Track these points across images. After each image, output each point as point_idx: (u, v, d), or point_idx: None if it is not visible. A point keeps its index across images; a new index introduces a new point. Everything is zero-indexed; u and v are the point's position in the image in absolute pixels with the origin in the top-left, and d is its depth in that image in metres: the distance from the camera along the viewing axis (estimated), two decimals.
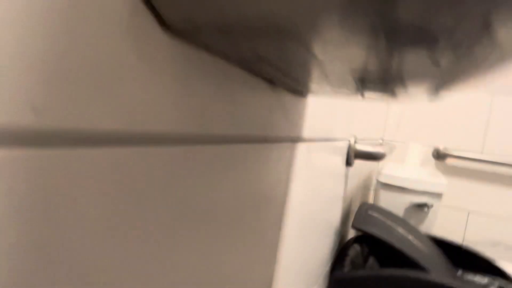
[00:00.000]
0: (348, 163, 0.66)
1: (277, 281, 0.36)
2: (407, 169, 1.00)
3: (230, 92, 0.20)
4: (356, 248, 0.77)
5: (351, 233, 0.87)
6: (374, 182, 1.05)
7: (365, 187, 1.07)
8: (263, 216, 0.30)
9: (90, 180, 0.12)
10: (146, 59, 0.13)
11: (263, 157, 0.27)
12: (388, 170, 0.96)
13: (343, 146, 0.61)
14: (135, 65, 0.13)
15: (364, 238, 0.79)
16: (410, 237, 0.69)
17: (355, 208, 0.86)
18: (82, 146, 0.12)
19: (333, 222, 0.66)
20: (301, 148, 0.36)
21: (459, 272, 0.72)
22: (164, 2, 0.13)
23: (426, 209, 0.89)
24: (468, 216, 1.24)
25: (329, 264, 0.70)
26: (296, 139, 0.34)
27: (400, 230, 0.70)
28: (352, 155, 0.65)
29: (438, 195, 0.90)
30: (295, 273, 0.45)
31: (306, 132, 0.37)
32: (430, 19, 0.11)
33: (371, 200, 1.08)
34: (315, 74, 0.21)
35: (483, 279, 0.70)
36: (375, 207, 0.77)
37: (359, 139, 0.73)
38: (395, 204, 0.93)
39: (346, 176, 0.69)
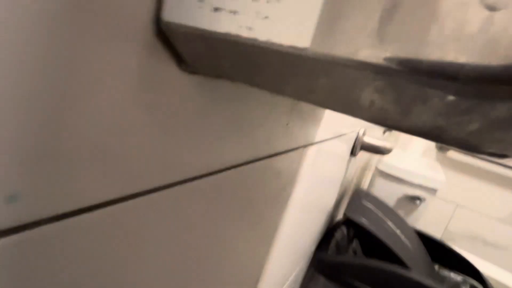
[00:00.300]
0: (353, 153, 0.65)
1: (270, 258, 0.37)
2: (408, 159, 0.99)
3: (249, 118, 0.18)
4: (343, 230, 0.80)
5: (341, 214, 0.89)
6: (372, 166, 1.05)
7: (363, 169, 1.07)
8: (268, 208, 0.29)
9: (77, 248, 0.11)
10: (162, 110, 0.11)
11: (274, 168, 0.26)
12: (388, 159, 0.95)
13: (351, 137, 0.59)
14: (146, 120, 0.11)
15: (353, 222, 0.81)
16: (398, 231, 0.70)
17: (350, 191, 0.87)
18: (70, 218, 0.10)
19: (327, 205, 0.67)
20: (312, 150, 0.35)
21: (436, 267, 0.76)
22: (187, 46, 0.10)
23: (418, 202, 0.90)
24: (455, 209, 1.27)
25: (315, 244, 0.72)
26: (308, 144, 0.32)
27: (390, 223, 0.71)
28: (358, 147, 0.63)
29: (433, 191, 0.91)
30: (286, 251, 0.46)
31: (319, 135, 0.35)
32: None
33: (366, 184, 1.09)
34: None
35: (457, 277, 0.73)
36: (369, 196, 0.78)
37: (368, 126, 0.70)
38: (389, 193, 0.94)
39: (348, 164, 0.68)
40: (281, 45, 0.07)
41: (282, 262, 0.44)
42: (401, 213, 0.94)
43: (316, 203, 0.54)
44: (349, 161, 0.67)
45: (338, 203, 0.84)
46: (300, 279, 0.69)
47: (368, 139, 0.63)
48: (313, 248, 0.70)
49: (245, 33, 0.08)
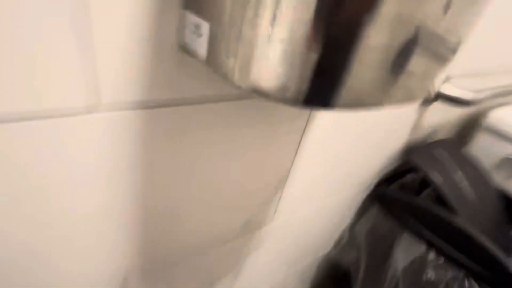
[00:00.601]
0: (424, 101, 0.66)
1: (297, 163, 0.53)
2: None
3: None
4: (413, 176, 0.84)
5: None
6: (478, 120, 0.94)
7: (469, 121, 0.97)
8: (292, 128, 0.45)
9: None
10: (187, 72, 0.28)
11: None
12: (500, 113, 0.84)
13: None
14: (177, 72, 0.28)
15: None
16: (466, 183, 0.70)
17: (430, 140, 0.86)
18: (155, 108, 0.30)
19: (384, 145, 0.72)
20: None
21: None
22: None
23: None
24: None
25: (376, 179, 0.81)
26: None
27: (461, 175, 0.71)
28: (430, 95, 0.64)
29: None
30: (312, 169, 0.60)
31: None
32: None
33: (468, 139, 0.99)
34: None
35: None
36: (445, 145, 0.77)
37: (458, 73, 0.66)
38: (493, 150, 0.87)
39: (419, 112, 0.69)
40: None
41: (312, 172, 0.58)
42: (504, 174, 0.87)
43: (365, 140, 0.62)
44: (420, 109, 0.68)
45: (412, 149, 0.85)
46: (351, 207, 0.82)
47: (444, 88, 0.63)
48: (370, 181, 0.79)
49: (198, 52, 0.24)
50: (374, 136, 0.64)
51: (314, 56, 0.18)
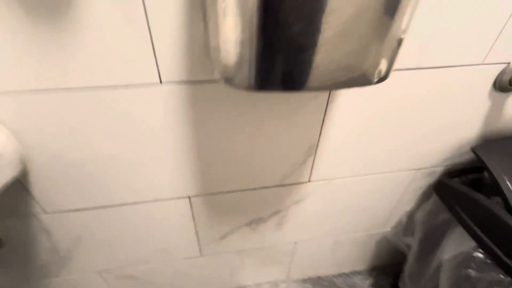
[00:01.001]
0: (501, 88, 0.59)
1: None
2: None
3: None
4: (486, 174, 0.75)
5: None
6: None
7: None
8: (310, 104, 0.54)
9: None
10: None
11: None
12: None
13: (487, 68, 0.55)
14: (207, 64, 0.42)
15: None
16: None
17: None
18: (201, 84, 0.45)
19: (457, 133, 0.67)
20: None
21: None
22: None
23: None
24: None
25: (444, 169, 0.77)
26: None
27: None
28: (506, 81, 0.57)
29: None
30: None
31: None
32: None
33: None
34: None
35: None
36: None
37: None
38: None
39: (492, 100, 0.62)
40: None
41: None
42: None
43: (413, 120, 0.61)
44: (494, 96, 0.60)
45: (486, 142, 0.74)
46: (408, 192, 0.81)
47: None
48: (430, 168, 0.75)
49: None
50: (427, 119, 0.62)
51: (259, 53, 0.28)
